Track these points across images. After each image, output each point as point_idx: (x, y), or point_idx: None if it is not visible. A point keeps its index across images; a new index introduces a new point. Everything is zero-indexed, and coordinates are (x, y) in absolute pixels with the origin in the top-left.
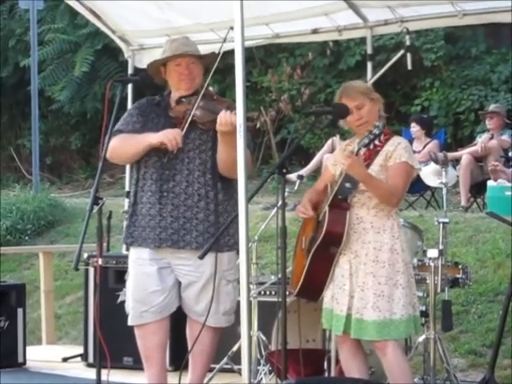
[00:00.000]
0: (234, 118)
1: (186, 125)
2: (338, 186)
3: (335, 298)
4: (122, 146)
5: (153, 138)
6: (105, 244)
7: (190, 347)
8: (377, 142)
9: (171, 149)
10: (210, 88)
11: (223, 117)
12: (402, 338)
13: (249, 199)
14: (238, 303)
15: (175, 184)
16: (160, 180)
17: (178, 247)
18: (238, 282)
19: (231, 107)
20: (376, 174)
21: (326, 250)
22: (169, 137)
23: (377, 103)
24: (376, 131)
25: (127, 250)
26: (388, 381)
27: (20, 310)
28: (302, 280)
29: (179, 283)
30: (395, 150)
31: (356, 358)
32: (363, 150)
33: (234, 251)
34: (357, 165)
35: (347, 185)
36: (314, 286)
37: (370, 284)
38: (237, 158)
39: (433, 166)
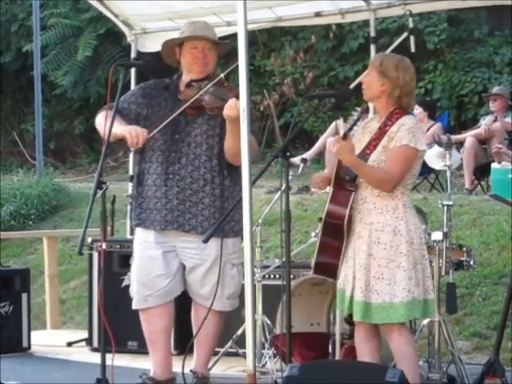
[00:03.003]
0: None
1: (184, 107)
2: (336, 167)
3: (347, 279)
4: (100, 123)
5: (119, 130)
6: (109, 228)
7: (194, 331)
8: (365, 126)
9: (130, 145)
10: (222, 75)
11: (232, 102)
12: (401, 322)
13: (253, 183)
14: (243, 287)
15: (181, 166)
16: (166, 162)
17: (183, 230)
18: (243, 266)
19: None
20: (379, 154)
21: (331, 230)
22: (132, 133)
23: (385, 80)
24: (355, 116)
25: (132, 233)
26: (394, 362)
27: (24, 295)
28: (315, 257)
29: (184, 267)
30: (398, 131)
31: (369, 342)
32: (359, 131)
33: (239, 237)
34: (344, 150)
35: None
36: (327, 263)
37: (371, 266)
38: None
39: (436, 148)
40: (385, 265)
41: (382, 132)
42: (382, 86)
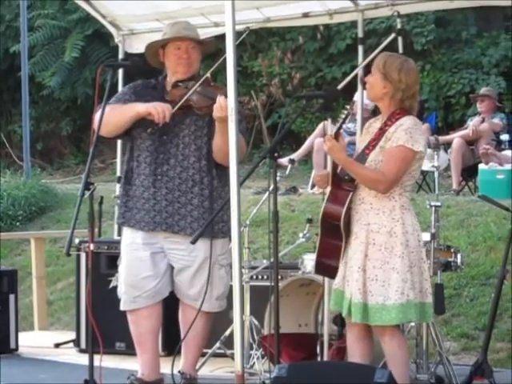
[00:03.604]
0: None
1: (177, 106)
2: (333, 166)
3: (346, 280)
4: (110, 114)
5: (141, 107)
6: (96, 229)
7: (182, 332)
8: (349, 125)
9: (157, 121)
10: (208, 74)
11: (222, 102)
12: (394, 325)
13: (240, 183)
14: (231, 288)
15: (169, 168)
16: (154, 163)
17: (172, 231)
18: (231, 267)
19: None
20: (377, 154)
21: (330, 229)
22: (157, 109)
23: (387, 83)
24: (342, 115)
25: (119, 235)
26: (382, 362)
27: (12, 296)
28: (316, 257)
29: (171, 268)
30: (395, 131)
31: (361, 343)
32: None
33: (228, 238)
34: (335, 149)
35: None
36: (327, 264)
37: (366, 267)
38: None
39: None
40: (379, 266)
41: (381, 132)
42: (385, 88)
